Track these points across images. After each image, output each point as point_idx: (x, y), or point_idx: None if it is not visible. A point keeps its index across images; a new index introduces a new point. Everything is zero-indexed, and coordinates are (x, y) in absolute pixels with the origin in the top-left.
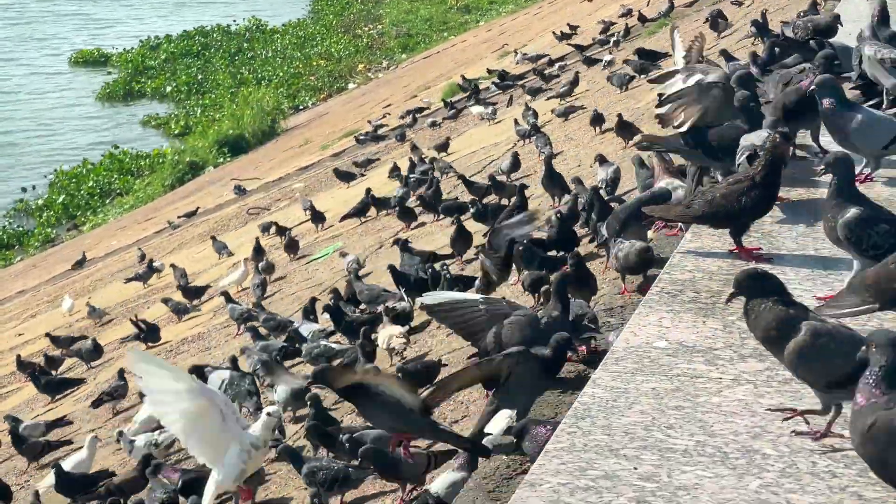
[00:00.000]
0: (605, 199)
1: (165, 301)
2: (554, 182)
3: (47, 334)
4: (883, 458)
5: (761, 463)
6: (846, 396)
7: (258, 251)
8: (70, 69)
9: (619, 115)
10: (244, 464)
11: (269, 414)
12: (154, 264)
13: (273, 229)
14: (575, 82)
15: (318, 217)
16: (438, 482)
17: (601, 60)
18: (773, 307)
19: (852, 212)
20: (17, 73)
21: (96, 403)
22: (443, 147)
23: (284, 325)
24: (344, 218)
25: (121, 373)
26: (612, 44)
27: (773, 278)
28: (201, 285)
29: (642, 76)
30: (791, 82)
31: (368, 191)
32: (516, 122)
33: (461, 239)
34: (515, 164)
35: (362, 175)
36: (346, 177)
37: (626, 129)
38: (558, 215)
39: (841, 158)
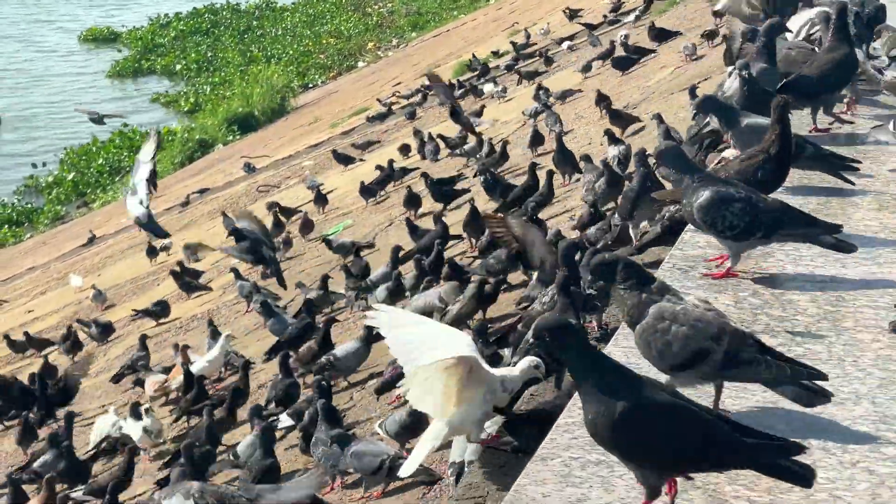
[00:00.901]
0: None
1: (174, 275)
2: (566, 159)
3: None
4: (636, 439)
5: None
6: (689, 379)
7: (277, 226)
8: (80, 46)
9: (608, 106)
10: (487, 405)
11: (535, 367)
12: (164, 243)
13: (276, 210)
14: (609, 53)
15: (321, 199)
16: (457, 450)
17: (601, 45)
18: (630, 292)
19: (705, 195)
20: (29, 53)
21: (117, 378)
22: (477, 114)
23: None
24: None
25: (142, 340)
26: (633, 19)
27: (620, 262)
28: (199, 270)
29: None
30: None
31: (391, 162)
32: (537, 97)
33: (474, 223)
34: (537, 138)
35: (361, 160)
36: (344, 160)
37: (618, 117)
38: (593, 198)
39: (663, 151)
